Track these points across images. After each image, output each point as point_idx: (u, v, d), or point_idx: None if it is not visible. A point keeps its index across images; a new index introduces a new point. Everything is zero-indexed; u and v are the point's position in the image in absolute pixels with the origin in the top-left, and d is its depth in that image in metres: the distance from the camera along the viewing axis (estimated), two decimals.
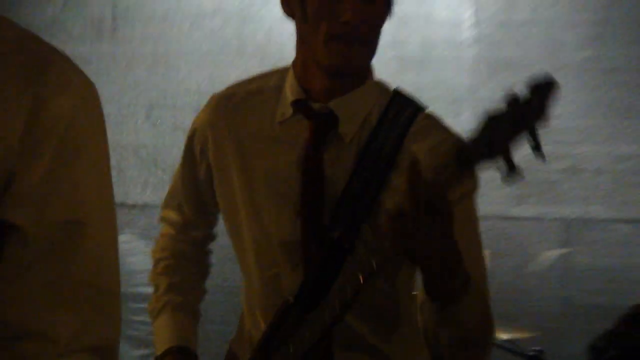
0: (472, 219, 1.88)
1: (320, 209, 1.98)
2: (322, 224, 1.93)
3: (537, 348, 3.14)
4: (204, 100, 3.93)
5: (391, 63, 3.33)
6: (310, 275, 1.94)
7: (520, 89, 1.52)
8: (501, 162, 1.55)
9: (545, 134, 4.10)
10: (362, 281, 1.78)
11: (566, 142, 3.77)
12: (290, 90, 1.96)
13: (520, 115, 1.58)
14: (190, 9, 4.42)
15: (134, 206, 4.15)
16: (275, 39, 4.25)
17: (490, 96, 3.41)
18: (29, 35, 1.28)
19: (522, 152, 2.91)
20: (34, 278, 1.23)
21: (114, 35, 4.39)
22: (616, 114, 3.78)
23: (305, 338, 1.94)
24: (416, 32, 3.96)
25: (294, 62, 1.98)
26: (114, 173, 4.20)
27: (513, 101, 1.55)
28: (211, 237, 2.29)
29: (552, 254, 3.84)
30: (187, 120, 4.22)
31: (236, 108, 2.06)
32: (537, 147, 1.55)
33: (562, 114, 3.64)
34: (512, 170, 1.57)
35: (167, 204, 2.28)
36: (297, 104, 1.93)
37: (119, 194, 4.14)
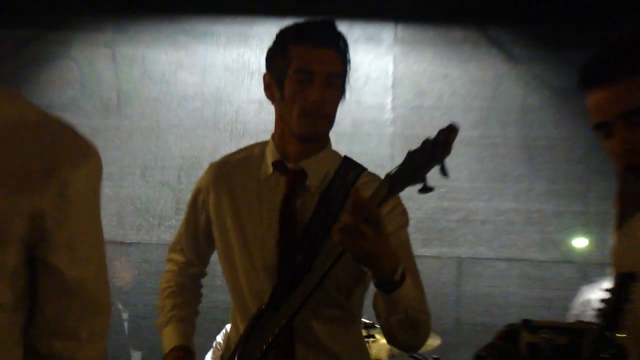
0: (406, 242, 2.19)
1: (292, 241, 2.27)
2: (293, 252, 2.24)
3: (436, 356, 3.72)
4: (187, 163, 4.66)
5: (330, 137, 3.80)
6: (279, 287, 2.24)
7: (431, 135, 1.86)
8: (418, 184, 1.87)
9: (444, 193, 5.19)
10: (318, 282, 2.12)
11: (460, 199, 4.56)
12: (270, 154, 2.27)
13: (432, 150, 1.86)
14: (177, 93, 5.09)
15: (130, 244, 4.71)
16: (242, 117, 5.03)
17: None
18: (49, 118, 1.52)
19: (427, 206, 3.60)
20: (64, 299, 1.54)
21: (118, 112, 5.04)
22: (496, 179, 4.56)
23: (271, 329, 2.26)
24: (348, 114, 4.57)
25: (273, 134, 2.31)
26: (114, 219, 5.39)
27: (426, 141, 1.84)
28: (204, 274, 2.63)
29: (448, 283, 4.54)
30: (172, 178, 4.96)
31: (230, 171, 2.40)
32: (444, 172, 1.84)
33: (457, 177, 4.43)
34: (425, 189, 1.87)
35: (172, 248, 2.63)
36: (276, 164, 2.25)
37: (118, 235, 5.10)
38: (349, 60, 2.29)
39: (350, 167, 2.36)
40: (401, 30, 5.08)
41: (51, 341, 1.61)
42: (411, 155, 1.92)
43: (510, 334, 2.45)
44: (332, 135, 2.26)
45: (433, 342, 3.62)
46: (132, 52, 5.27)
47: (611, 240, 3.32)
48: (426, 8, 5.01)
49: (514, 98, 4.97)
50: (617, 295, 1.83)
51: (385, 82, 4.83)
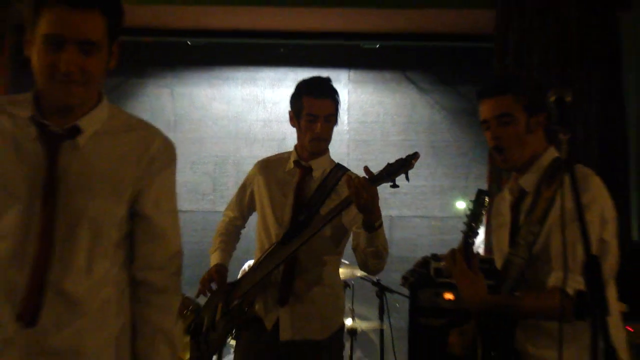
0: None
1: (300, 207, 2.92)
2: (299, 213, 2.88)
3: (378, 278, 4.14)
4: (219, 160, 5.82)
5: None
6: (289, 232, 2.87)
7: (402, 156, 2.58)
8: (390, 182, 2.59)
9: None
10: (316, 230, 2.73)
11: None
12: (292, 157, 3.01)
13: (401, 164, 2.60)
14: (212, 116, 5.95)
15: (184, 212, 5.08)
16: (253, 131, 5.94)
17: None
18: (134, 118, 1.85)
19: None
20: (153, 240, 1.85)
21: (175, 128, 5.87)
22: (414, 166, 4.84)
23: (277, 259, 2.85)
24: None
25: (296, 146, 3.04)
26: None
27: (400, 159, 2.60)
28: (243, 227, 3.22)
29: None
30: (209, 169, 5.78)
31: (267, 166, 3.09)
32: (407, 177, 2.59)
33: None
34: (394, 185, 2.61)
35: (227, 208, 3.24)
36: (295, 163, 2.98)
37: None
38: (339, 103, 2.98)
39: (339, 168, 3.07)
40: (353, 74, 6.07)
41: (144, 272, 1.87)
42: (389, 165, 2.70)
43: (424, 263, 3.86)
44: None
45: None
46: (183, 90, 6.02)
47: None
48: (368, 59, 5.89)
49: (424, 116, 6.02)
50: (475, 206, 2.30)
51: (343, 106, 4.93)
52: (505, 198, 2.44)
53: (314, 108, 2.89)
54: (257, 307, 2.99)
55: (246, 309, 2.97)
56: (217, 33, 5.68)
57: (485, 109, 2.33)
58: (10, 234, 1.76)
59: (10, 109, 1.82)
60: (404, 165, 2.64)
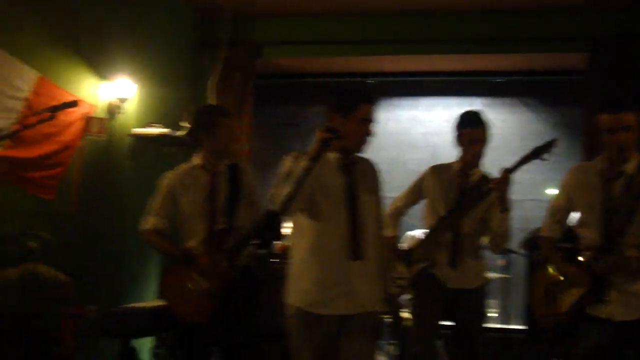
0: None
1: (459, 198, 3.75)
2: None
3: None
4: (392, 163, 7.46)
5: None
6: (448, 214, 3.72)
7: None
8: (537, 159, 3.51)
9: None
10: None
11: None
12: (457, 167, 3.84)
13: (542, 148, 3.51)
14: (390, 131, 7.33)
15: None
16: (413, 140, 7.62)
17: None
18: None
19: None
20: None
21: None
22: None
23: (444, 229, 3.80)
24: None
25: (460, 158, 3.83)
26: None
27: (536, 147, 3.49)
28: (406, 213, 3.94)
29: None
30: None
31: (438, 168, 3.89)
32: (546, 155, 3.49)
33: None
34: (544, 159, 3.48)
35: (395, 198, 4.01)
36: (460, 171, 3.85)
37: None
38: (488, 129, 3.78)
39: (485, 176, 3.82)
40: (484, 100, 7.26)
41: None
42: (533, 149, 3.47)
43: (535, 232, 4.71)
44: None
45: None
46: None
47: None
48: (496, 89, 7.27)
49: (534, 128, 7.32)
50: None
51: None
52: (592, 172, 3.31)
53: (473, 135, 3.87)
54: (432, 264, 3.90)
55: (424, 267, 3.72)
56: (389, 74, 7.47)
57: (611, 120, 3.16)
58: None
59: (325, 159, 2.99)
60: (548, 147, 3.52)
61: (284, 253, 5.12)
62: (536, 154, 3.52)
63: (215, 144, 3.84)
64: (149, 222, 3.90)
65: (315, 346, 3.00)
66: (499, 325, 6.05)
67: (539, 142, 3.55)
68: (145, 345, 5.89)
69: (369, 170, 3.27)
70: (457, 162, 3.98)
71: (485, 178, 3.85)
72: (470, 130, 3.84)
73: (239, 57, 7.05)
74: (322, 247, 3.06)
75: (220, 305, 3.56)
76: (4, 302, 3.50)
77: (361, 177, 3.17)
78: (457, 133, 3.90)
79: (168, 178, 3.97)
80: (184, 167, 4.00)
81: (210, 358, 3.83)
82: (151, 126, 6.07)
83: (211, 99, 6.97)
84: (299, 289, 3.10)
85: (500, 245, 3.80)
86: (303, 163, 2.91)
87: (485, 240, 4.12)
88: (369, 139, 3.11)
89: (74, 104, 3.06)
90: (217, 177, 3.86)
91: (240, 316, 3.68)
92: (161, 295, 3.84)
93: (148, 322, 4.62)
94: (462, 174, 3.94)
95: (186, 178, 3.91)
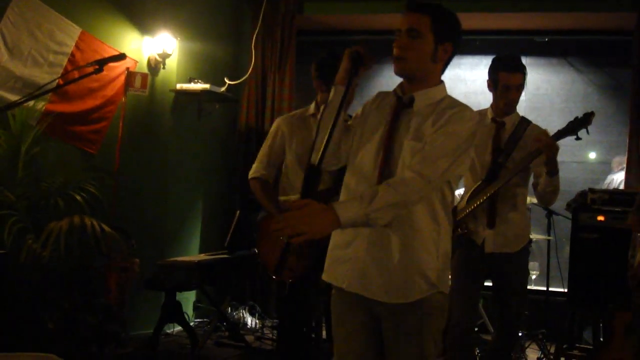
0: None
1: (498, 153, 3.48)
2: (498, 159, 3.42)
3: None
4: None
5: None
6: (489, 174, 3.47)
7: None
8: (573, 135, 3.39)
9: None
10: None
11: None
12: (489, 114, 3.56)
13: (580, 122, 3.33)
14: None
15: None
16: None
17: None
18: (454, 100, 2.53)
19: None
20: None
21: None
22: None
23: (484, 194, 3.55)
24: None
25: (491, 105, 3.63)
26: None
27: (577, 118, 3.33)
28: None
29: None
30: None
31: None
32: (587, 130, 3.35)
33: None
34: (578, 138, 3.39)
35: None
36: (492, 120, 3.57)
37: None
38: (526, 74, 3.59)
39: (524, 120, 3.69)
40: (528, 60, 6.57)
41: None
42: (570, 123, 3.35)
43: (582, 194, 4.98)
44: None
45: None
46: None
47: None
48: (540, 48, 7.01)
49: (580, 90, 7.09)
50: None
51: None
52: None
53: (508, 80, 3.54)
54: (471, 228, 3.64)
55: (463, 231, 3.50)
56: None
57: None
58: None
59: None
60: (583, 122, 3.34)
61: None
62: (572, 130, 3.40)
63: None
64: (254, 169, 3.75)
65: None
66: (539, 287, 5.95)
67: (580, 111, 3.45)
68: (189, 300, 6.02)
69: (434, 111, 2.41)
70: (488, 109, 3.73)
71: (521, 124, 3.64)
72: (506, 74, 3.52)
73: (280, 13, 6.92)
74: None
75: (306, 264, 3.44)
76: (52, 253, 3.54)
77: (415, 120, 2.37)
78: (491, 77, 3.61)
79: (278, 123, 3.80)
80: (297, 113, 3.87)
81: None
82: (193, 82, 6.07)
83: (253, 55, 6.91)
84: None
85: (550, 201, 3.69)
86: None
87: (530, 200, 4.07)
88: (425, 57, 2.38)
89: (121, 56, 3.03)
90: None
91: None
92: (256, 245, 3.77)
93: (192, 275, 4.67)
94: (496, 124, 3.66)
95: (298, 125, 3.74)
